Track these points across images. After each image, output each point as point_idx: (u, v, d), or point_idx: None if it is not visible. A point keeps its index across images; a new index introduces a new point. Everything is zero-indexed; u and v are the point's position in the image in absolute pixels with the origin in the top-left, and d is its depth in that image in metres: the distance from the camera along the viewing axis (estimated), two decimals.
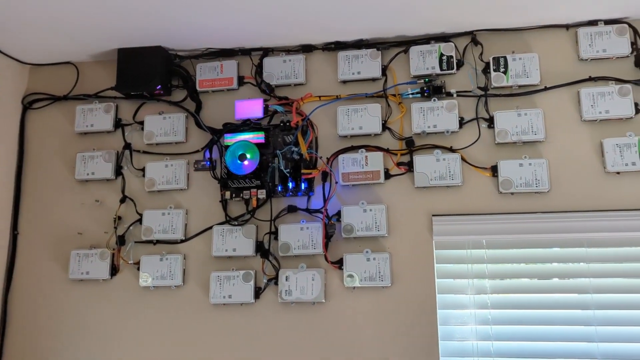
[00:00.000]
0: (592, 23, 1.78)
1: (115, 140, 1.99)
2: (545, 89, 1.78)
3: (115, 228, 1.91)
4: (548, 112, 1.76)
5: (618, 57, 1.76)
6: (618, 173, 1.70)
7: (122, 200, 1.93)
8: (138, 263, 1.86)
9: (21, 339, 1.89)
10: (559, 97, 1.78)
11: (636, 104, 1.71)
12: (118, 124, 2.00)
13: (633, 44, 1.75)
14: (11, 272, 1.94)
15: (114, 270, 1.89)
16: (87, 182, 1.97)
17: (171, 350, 1.81)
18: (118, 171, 1.96)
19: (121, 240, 1.89)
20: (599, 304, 1.67)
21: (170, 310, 1.84)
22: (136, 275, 1.86)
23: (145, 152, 1.97)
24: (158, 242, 1.88)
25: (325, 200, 1.79)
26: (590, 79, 1.76)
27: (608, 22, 1.77)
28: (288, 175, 1.78)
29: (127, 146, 1.97)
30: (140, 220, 1.90)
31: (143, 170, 1.94)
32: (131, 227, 1.91)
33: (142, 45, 1.92)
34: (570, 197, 1.71)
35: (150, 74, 1.90)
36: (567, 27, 1.81)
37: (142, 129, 1.97)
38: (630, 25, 1.76)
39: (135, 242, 1.90)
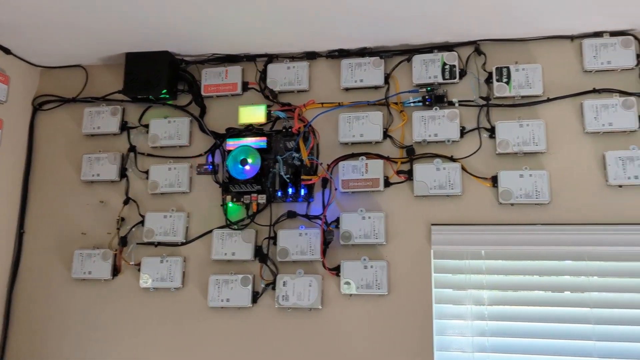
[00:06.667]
0: (597, 34, 1.76)
1: (120, 143, 2.03)
2: (548, 100, 1.76)
3: (118, 229, 1.93)
4: (550, 124, 1.75)
5: (623, 69, 1.74)
6: (620, 186, 1.67)
7: (126, 202, 1.96)
8: (139, 264, 1.89)
9: (24, 335, 1.93)
10: (561, 109, 1.76)
11: None
12: (124, 126, 2.03)
13: (638, 56, 1.73)
14: (16, 270, 1.98)
15: (116, 270, 1.91)
16: (93, 183, 2.01)
17: (169, 352, 1.82)
18: (123, 173, 1.99)
19: (123, 242, 1.92)
20: (599, 318, 1.64)
21: (169, 312, 1.85)
22: (137, 276, 1.89)
23: (149, 155, 1.99)
24: (159, 244, 1.90)
25: (324, 207, 1.80)
26: (594, 90, 1.74)
27: (613, 33, 1.75)
28: (288, 180, 1.78)
29: (132, 149, 2.00)
30: (142, 222, 1.92)
31: (147, 172, 1.97)
32: (133, 229, 1.93)
33: (149, 50, 1.95)
34: (570, 209, 1.69)
35: (156, 78, 1.94)
36: (571, 38, 1.79)
37: (147, 132, 2.00)
38: (635, 37, 1.74)
39: (137, 243, 1.92)
